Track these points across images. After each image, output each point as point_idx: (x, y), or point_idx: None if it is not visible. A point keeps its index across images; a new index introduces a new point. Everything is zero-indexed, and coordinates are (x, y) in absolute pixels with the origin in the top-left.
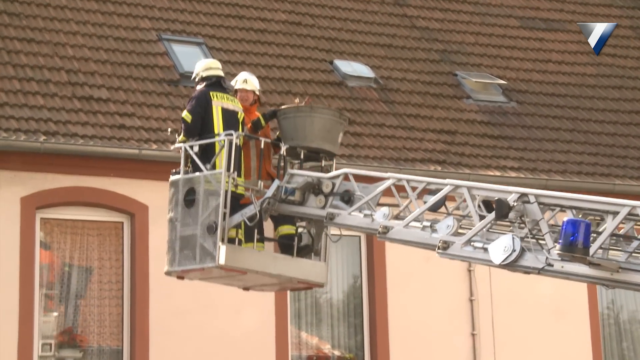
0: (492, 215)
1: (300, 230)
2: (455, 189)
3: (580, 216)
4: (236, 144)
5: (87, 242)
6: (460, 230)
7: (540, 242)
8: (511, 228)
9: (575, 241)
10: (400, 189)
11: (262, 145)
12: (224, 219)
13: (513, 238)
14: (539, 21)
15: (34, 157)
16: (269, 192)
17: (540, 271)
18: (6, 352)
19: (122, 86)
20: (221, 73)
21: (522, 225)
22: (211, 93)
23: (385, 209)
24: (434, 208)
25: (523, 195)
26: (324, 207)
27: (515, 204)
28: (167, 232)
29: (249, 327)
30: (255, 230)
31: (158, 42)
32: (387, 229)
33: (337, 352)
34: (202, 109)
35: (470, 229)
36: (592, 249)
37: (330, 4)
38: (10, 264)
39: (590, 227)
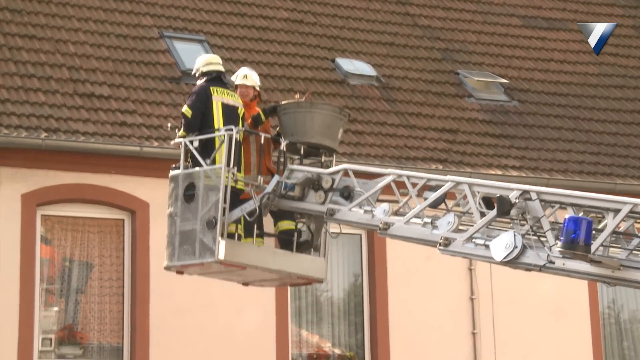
0: (494, 212)
1: (299, 225)
2: (456, 186)
3: (581, 214)
4: (236, 139)
5: (87, 239)
6: (460, 227)
7: (542, 239)
8: (511, 225)
9: (577, 238)
10: (401, 185)
11: (262, 141)
12: (224, 214)
13: (514, 235)
14: (542, 20)
15: (35, 154)
16: (269, 188)
17: (541, 268)
18: (7, 347)
19: (123, 83)
20: (221, 68)
21: (523, 222)
22: (211, 88)
23: (385, 205)
24: (434, 204)
25: (525, 192)
26: (323, 203)
27: (517, 201)
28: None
29: (250, 325)
30: (255, 226)
31: (160, 40)
32: (387, 225)
33: (337, 351)
34: (202, 104)
35: (470, 225)
36: (594, 246)
37: (333, 2)
38: (11, 261)
39: (592, 224)
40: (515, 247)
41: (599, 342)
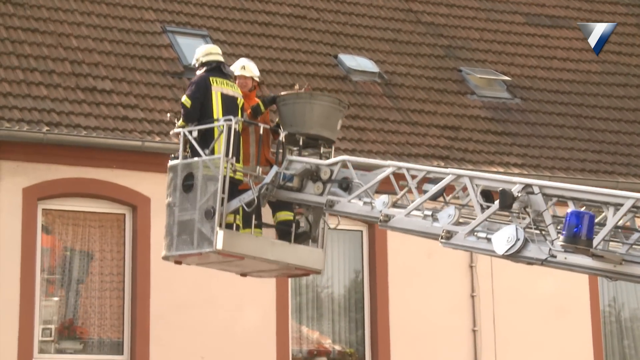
0: (496, 205)
1: (297, 216)
2: (457, 179)
3: (584, 208)
4: (235, 129)
5: (88, 234)
6: (460, 220)
7: (544, 233)
8: (510, 218)
9: (579, 233)
10: (400, 178)
11: (261, 132)
12: (222, 204)
13: (517, 229)
14: (545, 18)
15: (36, 148)
16: (268, 178)
17: (543, 262)
18: (7, 339)
19: (125, 78)
20: (221, 58)
21: (523, 216)
22: (211, 78)
23: (384, 197)
24: (434, 197)
25: (527, 185)
26: (322, 194)
27: (519, 194)
28: None
29: (250, 321)
30: (253, 216)
31: (162, 34)
32: (388, 218)
33: (337, 347)
34: (202, 94)
35: (469, 218)
36: (596, 241)
37: None
38: (12, 255)
39: (594, 219)
40: (518, 239)
41: (599, 340)
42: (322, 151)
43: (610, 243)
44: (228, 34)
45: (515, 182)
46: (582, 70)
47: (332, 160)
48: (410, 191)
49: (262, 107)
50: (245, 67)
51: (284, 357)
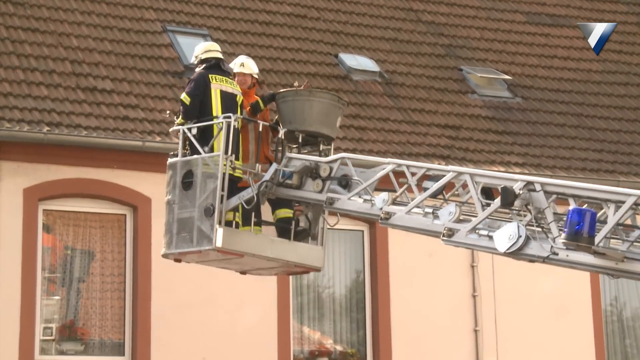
0: (498, 202)
1: (297, 214)
2: (457, 176)
3: (585, 206)
4: (234, 126)
5: (89, 234)
6: (460, 217)
7: (545, 230)
8: (510, 216)
9: (581, 230)
10: (399, 175)
11: (261, 129)
12: (222, 201)
13: (518, 226)
14: (545, 17)
15: (37, 148)
16: (267, 176)
17: (545, 260)
18: (8, 339)
19: (126, 77)
20: (220, 55)
21: (524, 213)
22: (210, 76)
23: (384, 194)
24: (435, 194)
25: (529, 183)
26: (321, 191)
27: (520, 191)
28: None
29: (251, 321)
30: (253, 214)
31: (163, 34)
32: (389, 215)
33: (339, 347)
34: (201, 91)
35: (469, 215)
36: (598, 238)
37: None
38: (13, 256)
39: (595, 216)
40: (520, 236)
41: (601, 339)
42: (321, 148)
43: (611, 240)
44: (228, 33)
45: (516, 180)
46: (583, 69)
47: (332, 157)
48: (410, 189)
49: (261, 105)
50: (244, 65)
51: (286, 357)
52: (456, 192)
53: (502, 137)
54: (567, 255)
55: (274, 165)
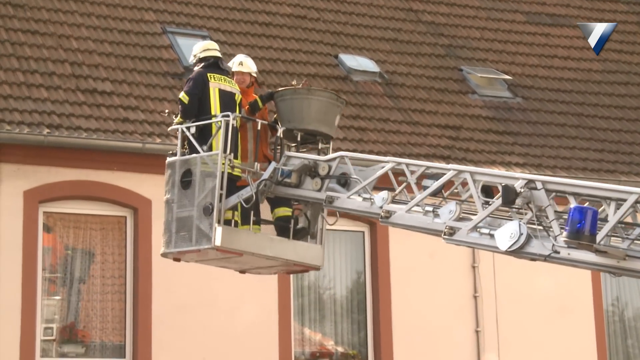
0: (499, 201)
1: (296, 213)
2: (458, 175)
3: (586, 204)
4: (233, 125)
5: (89, 236)
6: (460, 215)
7: (547, 229)
8: (509, 214)
9: (582, 228)
10: (399, 174)
11: (259, 127)
12: (220, 200)
13: (519, 224)
14: (545, 16)
15: (37, 151)
16: (266, 174)
17: (546, 258)
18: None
19: (126, 79)
20: (218, 54)
21: (523, 211)
22: (208, 74)
23: (384, 193)
24: (434, 193)
25: (530, 181)
26: (320, 190)
27: (522, 190)
28: None
29: (252, 323)
30: (252, 213)
31: (162, 35)
32: (389, 214)
33: (340, 349)
34: (199, 90)
35: (469, 214)
36: (599, 236)
37: None
38: (13, 258)
39: (597, 214)
40: (521, 234)
41: (603, 339)
42: (320, 147)
43: (612, 238)
44: (228, 34)
45: (517, 178)
46: (584, 68)
47: (330, 156)
48: (409, 187)
49: (259, 103)
50: (243, 63)
51: (287, 359)
52: (455, 190)
53: (502, 137)
54: (569, 254)
55: (273, 164)
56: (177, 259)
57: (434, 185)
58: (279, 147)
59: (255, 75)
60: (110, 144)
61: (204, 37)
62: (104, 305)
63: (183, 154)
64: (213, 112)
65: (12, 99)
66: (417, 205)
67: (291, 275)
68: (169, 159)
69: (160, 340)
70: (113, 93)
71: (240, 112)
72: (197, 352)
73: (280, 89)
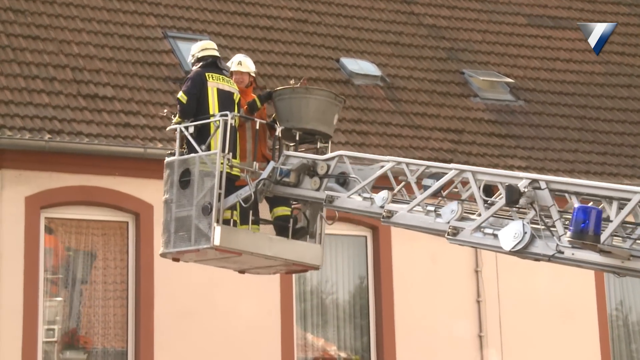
0: (502, 201)
1: (295, 212)
2: (459, 174)
3: (590, 204)
4: (231, 125)
5: (91, 242)
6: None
7: (551, 229)
8: (509, 214)
9: (586, 228)
10: (399, 173)
11: (258, 127)
12: (219, 200)
13: (523, 224)
14: (547, 19)
15: (38, 156)
16: (264, 174)
17: (550, 258)
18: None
19: (127, 84)
20: (217, 53)
21: (525, 211)
22: (207, 74)
23: (384, 192)
24: (436, 192)
25: (534, 181)
26: (318, 189)
27: (525, 190)
28: None
29: (254, 328)
30: (251, 212)
31: (164, 40)
32: (391, 214)
33: (343, 354)
34: (198, 89)
35: (469, 213)
36: (603, 236)
37: (337, 2)
38: (15, 264)
39: (601, 214)
40: (525, 233)
41: (607, 344)
42: (318, 146)
43: (615, 238)
44: (229, 38)
45: (521, 177)
46: (586, 71)
47: (329, 155)
48: (408, 186)
49: (258, 103)
50: (241, 63)
51: None
52: (454, 190)
53: (505, 140)
54: (573, 254)
55: (272, 163)
56: (176, 259)
57: (436, 184)
58: (278, 146)
59: (254, 75)
60: (112, 149)
61: None
62: (106, 311)
63: (182, 154)
64: (211, 112)
65: (14, 104)
66: (418, 205)
67: (293, 280)
68: (167, 159)
69: (163, 345)
70: (114, 98)
71: (238, 112)
72: (199, 358)
73: (278, 88)
